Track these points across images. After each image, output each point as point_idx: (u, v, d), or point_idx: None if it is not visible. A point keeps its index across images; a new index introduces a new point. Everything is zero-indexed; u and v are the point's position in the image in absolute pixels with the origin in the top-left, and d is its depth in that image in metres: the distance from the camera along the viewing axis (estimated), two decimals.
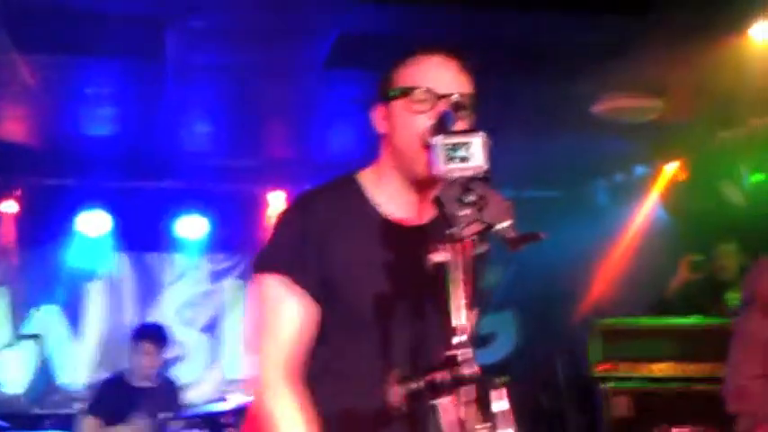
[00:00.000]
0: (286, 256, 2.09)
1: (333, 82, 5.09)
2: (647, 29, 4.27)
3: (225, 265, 7.92)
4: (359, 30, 4.37)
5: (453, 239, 1.68)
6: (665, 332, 5.77)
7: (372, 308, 2.05)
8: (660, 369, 5.71)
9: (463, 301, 1.68)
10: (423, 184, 2.08)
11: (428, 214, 2.14)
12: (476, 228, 1.68)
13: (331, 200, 2.15)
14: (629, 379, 5.69)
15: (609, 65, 4.82)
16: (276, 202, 7.43)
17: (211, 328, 7.89)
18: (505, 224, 1.70)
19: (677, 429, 5.21)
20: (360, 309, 2.07)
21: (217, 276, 7.93)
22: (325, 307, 2.09)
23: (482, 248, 1.70)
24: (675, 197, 6.88)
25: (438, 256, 1.69)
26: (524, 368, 7.69)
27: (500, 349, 8.18)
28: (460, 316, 1.68)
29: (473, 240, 1.68)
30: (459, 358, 1.64)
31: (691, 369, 5.62)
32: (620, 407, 5.69)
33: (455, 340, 1.66)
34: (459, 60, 2.13)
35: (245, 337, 2.19)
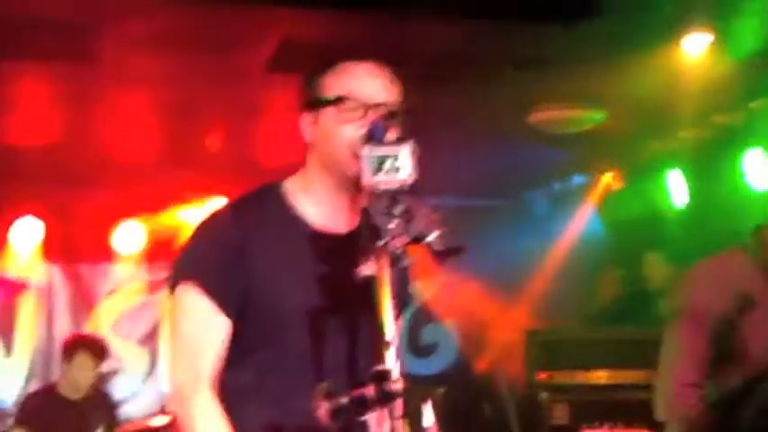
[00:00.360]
0: (206, 267, 2.04)
1: (274, 87, 5.05)
2: (582, 40, 4.31)
3: (163, 275, 7.79)
4: (299, 36, 4.36)
5: (381, 252, 1.66)
6: (601, 341, 5.84)
7: (298, 320, 2.01)
8: (597, 377, 5.78)
9: (392, 314, 1.66)
10: (353, 189, 2.04)
11: (355, 222, 2.12)
12: (403, 240, 1.67)
13: (255, 210, 2.10)
14: (568, 387, 5.74)
15: (545, 75, 4.87)
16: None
17: (149, 339, 7.75)
18: (433, 236, 1.69)
19: None
20: (285, 321, 2.02)
21: (155, 287, 7.80)
22: (249, 321, 2.03)
23: (408, 261, 1.68)
24: (610, 207, 6.98)
25: (366, 269, 1.67)
26: (466, 378, 7.71)
27: (441, 360, 8.20)
28: (390, 329, 1.66)
29: (401, 252, 1.67)
30: (388, 373, 1.62)
31: (628, 376, 5.69)
32: (560, 415, 5.74)
33: (385, 354, 1.64)
34: (389, 69, 2.10)
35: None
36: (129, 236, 7.46)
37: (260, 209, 2.11)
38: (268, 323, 2.03)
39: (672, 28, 4.23)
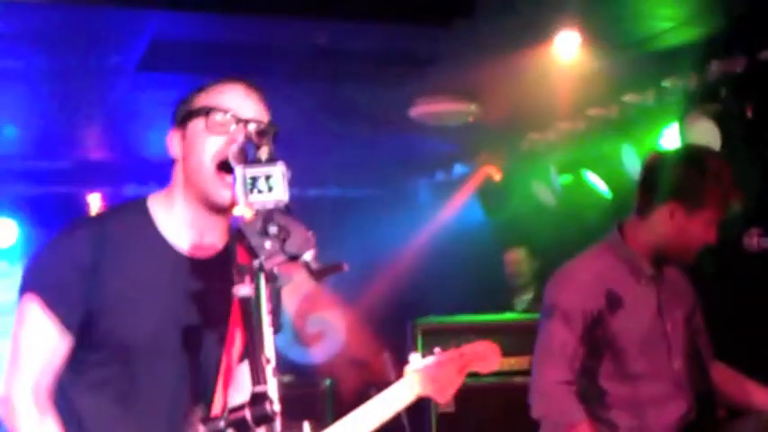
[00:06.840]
0: (51, 282, 2.02)
1: (146, 85, 4.98)
2: (460, 38, 4.39)
3: None
4: (170, 35, 4.28)
5: (257, 271, 1.66)
6: (482, 328, 5.95)
7: (149, 341, 2.01)
8: None
9: (271, 334, 1.67)
10: (216, 210, 2.06)
11: (219, 243, 2.12)
12: (279, 259, 1.67)
13: (118, 228, 2.07)
14: None
15: (426, 71, 4.94)
16: (95, 205, 7.18)
17: None
18: (309, 255, 1.70)
19: None
20: (135, 341, 2.01)
21: None
22: (97, 339, 2.02)
23: (285, 280, 1.69)
24: (491, 196, 7.10)
25: (243, 290, 1.66)
26: (352, 366, 7.75)
27: (327, 349, 8.21)
28: (270, 348, 1.66)
29: (275, 272, 1.68)
30: (266, 394, 1.62)
31: (509, 363, 5.81)
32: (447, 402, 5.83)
33: (263, 374, 1.64)
34: (260, 92, 2.12)
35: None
36: (4, 231, 7.24)
37: (124, 226, 2.08)
38: (119, 342, 2.01)
39: (544, 27, 4.35)
